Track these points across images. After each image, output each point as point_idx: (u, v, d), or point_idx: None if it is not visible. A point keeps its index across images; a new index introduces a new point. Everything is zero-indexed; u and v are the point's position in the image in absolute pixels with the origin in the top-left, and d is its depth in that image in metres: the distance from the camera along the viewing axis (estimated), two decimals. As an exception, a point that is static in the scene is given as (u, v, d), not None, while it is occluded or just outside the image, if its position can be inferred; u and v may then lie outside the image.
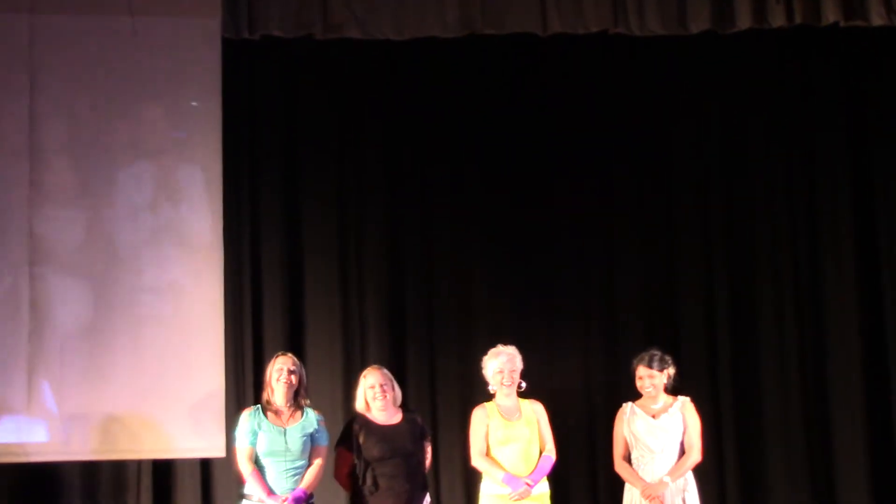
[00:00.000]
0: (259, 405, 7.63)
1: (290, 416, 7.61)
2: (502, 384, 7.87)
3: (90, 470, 8.51)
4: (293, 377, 7.60)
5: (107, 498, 8.29)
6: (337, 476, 7.82)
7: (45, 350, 8.30)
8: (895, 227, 9.12)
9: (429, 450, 7.86)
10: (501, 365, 7.88)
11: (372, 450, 7.63)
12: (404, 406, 7.89)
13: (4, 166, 8.41)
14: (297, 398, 7.63)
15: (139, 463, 8.51)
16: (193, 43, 8.56)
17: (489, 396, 7.96)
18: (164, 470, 8.57)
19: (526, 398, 7.94)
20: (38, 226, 8.38)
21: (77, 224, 8.44)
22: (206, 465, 8.55)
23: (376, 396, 7.69)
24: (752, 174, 9.24)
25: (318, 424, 7.65)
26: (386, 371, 7.83)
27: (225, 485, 8.08)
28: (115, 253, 8.46)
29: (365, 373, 7.82)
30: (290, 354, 7.69)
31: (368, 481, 7.62)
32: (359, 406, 7.77)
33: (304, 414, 7.63)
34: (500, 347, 7.93)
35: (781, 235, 9.19)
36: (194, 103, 8.53)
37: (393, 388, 7.77)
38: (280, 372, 7.57)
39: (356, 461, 7.66)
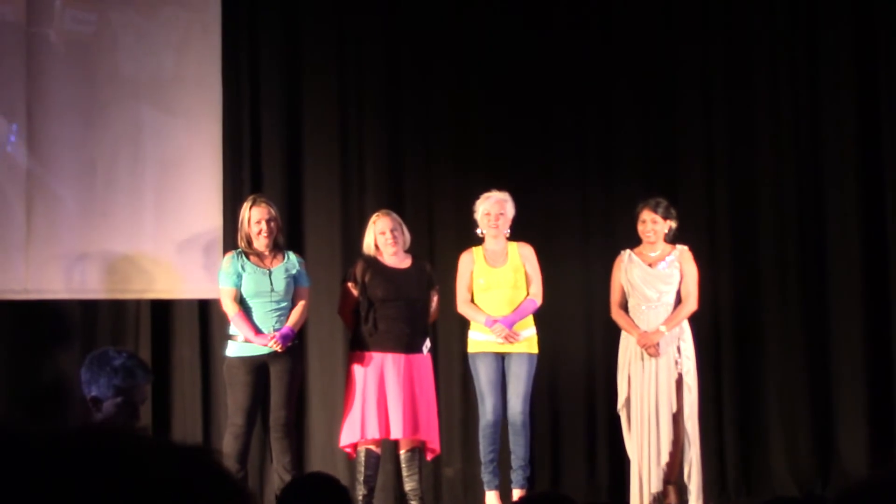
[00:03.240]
0: (240, 248, 7.65)
1: (273, 258, 7.64)
2: (489, 227, 7.89)
3: (89, 311, 8.53)
4: (272, 225, 7.61)
5: (106, 339, 8.31)
6: (340, 312, 7.88)
7: (44, 189, 8.26)
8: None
9: (435, 300, 7.89)
10: (489, 207, 7.90)
11: (376, 290, 7.66)
12: (413, 252, 7.91)
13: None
14: (277, 241, 7.66)
15: (138, 304, 8.53)
16: None
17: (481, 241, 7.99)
18: (162, 311, 8.58)
19: (516, 241, 7.96)
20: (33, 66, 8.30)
21: (73, 67, 8.35)
22: (203, 306, 8.57)
23: (388, 242, 7.69)
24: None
25: (300, 266, 7.70)
26: (395, 216, 7.81)
27: (222, 326, 8.10)
28: (113, 93, 8.38)
29: (374, 218, 7.80)
30: (263, 201, 7.67)
31: (370, 322, 7.66)
32: (367, 249, 7.78)
33: (286, 256, 7.67)
34: (492, 192, 7.93)
35: (780, 92, 9.08)
36: None
37: (403, 233, 7.77)
38: (259, 226, 7.57)
39: (360, 300, 7.70)
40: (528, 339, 7.82)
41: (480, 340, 7.81)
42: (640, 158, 9.02)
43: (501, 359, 7.81)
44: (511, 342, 7.75)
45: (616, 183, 8.99)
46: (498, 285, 7.83)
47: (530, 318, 7.86)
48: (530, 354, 7.82)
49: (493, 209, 7.87)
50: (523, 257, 7.89)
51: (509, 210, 7.89)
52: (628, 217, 8.08)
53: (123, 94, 8.37)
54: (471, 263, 7.89)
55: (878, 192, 8.90)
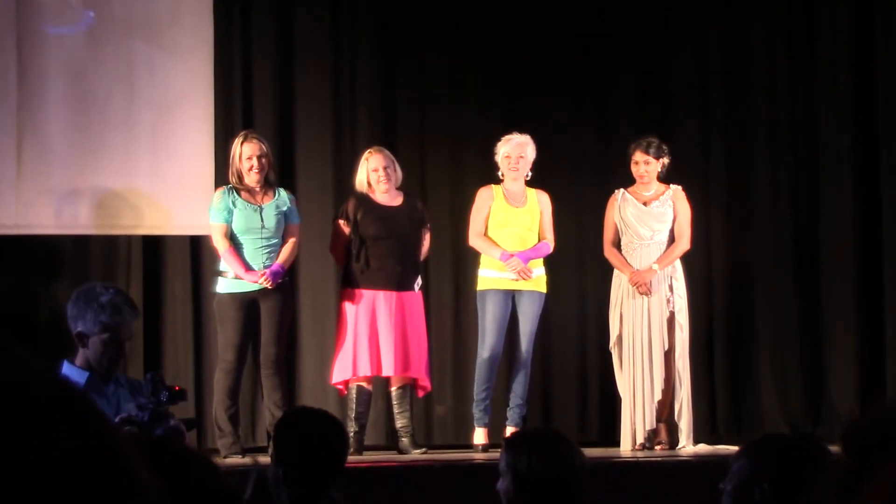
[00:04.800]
0: (231, 184, 7.61)
1: (264, 195, 7.61)
2: (509, 169, 7.86)
3: (81, 246, 8.50)
4: (264, 161, 7.57)
5: (98, 274, 8.28)
6: (332, 249, 7.87)
7: (35, 124, 8.22)
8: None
9: (427, 238, 7.88)
10: (510, 150, 7.87)
11: (368, 227, 7.65)
12: (405, 190, 7.88)
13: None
14: (268, 178, 7.62)
15: (129, 240, 8.50)
16: None
17: (492, 181, 7.95)
18: (153, 247, 8.55)
19: (534, 188, 7.95)
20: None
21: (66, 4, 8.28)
22: (195, 242, 8.54)
23: (380, 179, 7.66)
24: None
25: (291, 203, 7.67)
26: (388, 153, 7.78)
27: (213, 262, 8.07)
28: (106, 27, 8.32)
29: (367, 154, 7.77)
30: (255, 137, 7.63)
31: (361, 259, 7.65)
32: (359, 185, 7.75)
33: (277, 193, 7.65)
34: (513, 134, 7.89)
35: (774, 43, 9.02)
36: None
37: (395, 171, 7.75)
38: (251, 162, 7.53)
39: (352, 237, 7.68)
40: (538, 278, 7.83)
41: (492, 278, 7.81)
42: (635, 103, 8.99)
43: (511, 298, 7.79)
44: (525, 278, 7.74)
45: (611, 126, 8.96)
46: (515, 224, 7.82)
47: (540, 259, 7.86)
48: (540, 293, 7.84)
49: (514, 152, 7.84)
50: (541, 204, 7.91)
51: (529, 153, 7.86)
52: (623, 157, 8.07)
53: (116, 32, 8.30)
54: (490, 199, 7.87)
55: (871, 125, 8.87)
